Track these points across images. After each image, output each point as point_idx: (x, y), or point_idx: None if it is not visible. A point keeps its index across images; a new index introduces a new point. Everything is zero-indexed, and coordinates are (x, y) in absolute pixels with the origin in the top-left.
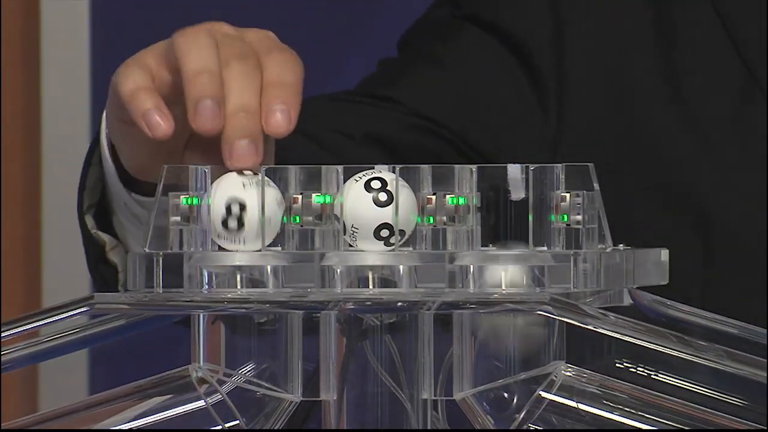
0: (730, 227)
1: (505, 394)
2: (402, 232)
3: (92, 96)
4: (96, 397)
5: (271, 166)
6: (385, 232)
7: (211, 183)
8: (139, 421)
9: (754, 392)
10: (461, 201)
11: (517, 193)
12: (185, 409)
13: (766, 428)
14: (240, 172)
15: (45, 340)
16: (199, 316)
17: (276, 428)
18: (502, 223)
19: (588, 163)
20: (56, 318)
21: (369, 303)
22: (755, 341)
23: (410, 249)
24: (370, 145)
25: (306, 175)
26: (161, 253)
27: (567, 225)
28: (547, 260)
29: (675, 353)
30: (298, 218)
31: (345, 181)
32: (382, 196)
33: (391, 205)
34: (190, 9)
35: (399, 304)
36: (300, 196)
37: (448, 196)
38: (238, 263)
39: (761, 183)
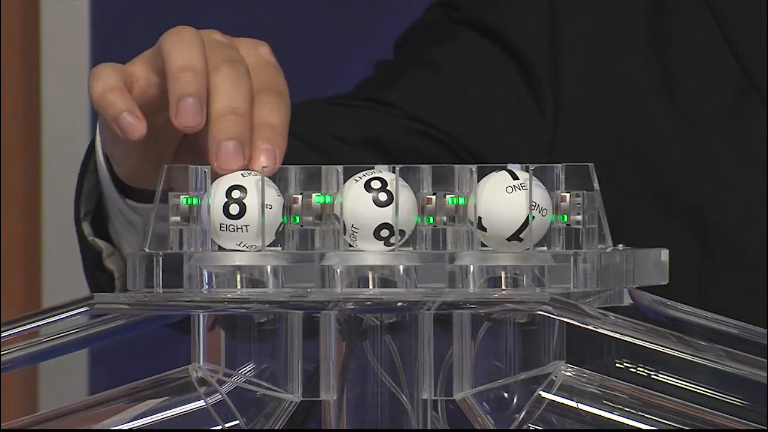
0: (727, 227)
1: (505, 394)
2: (402, 232)
3: None
4: (96, 397)
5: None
6: (385, 232)
7: (211, 183)
8: (139, 421)
9: (754, 392)
10: (461, 201)
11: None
12: (185, 409)
13: (766, 428)
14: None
15: (45, 340)
16: (199, 316)
17: (276, 428)
18: None
19: (588, 163)
20: (56, 318)
21: (369, 303)
22: (755, 341)
23: (410, 249)
24: (368, 149)
25: (306, 175)
26: (161, 253)
27: (567, 225)
28: (547, 260)
29: (675, 353)
30: (298, 218)
31: (345, 181)
32: (382, 196)
33: (391, 205)
34: (190, 9)
35: (399, 304)
36: (300, 196)
37: (448, 196)
38: (238, 263)
39: (759, 183)
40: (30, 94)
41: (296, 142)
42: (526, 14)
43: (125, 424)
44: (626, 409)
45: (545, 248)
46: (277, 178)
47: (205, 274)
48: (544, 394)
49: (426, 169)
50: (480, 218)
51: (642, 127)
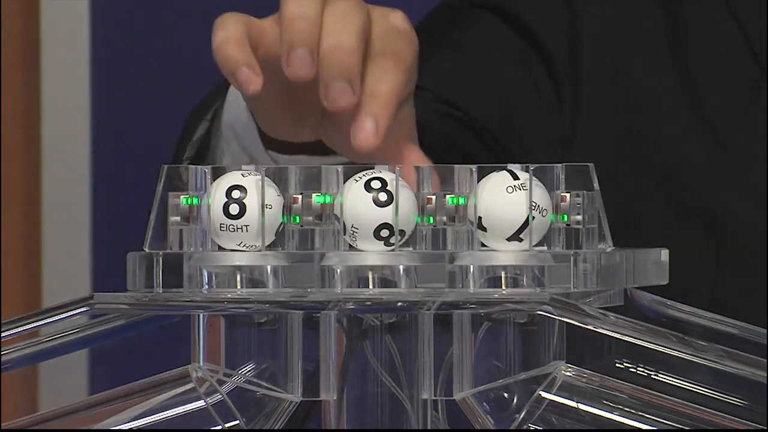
0: (743, 226)
1: (505, 394)
2: (402, 232)
3: (92, 96)
4: (96, 397)
5: (271, 166)
6: (385, 232)
7: (211, 183)
8: (139, 421)
9: (754, 392)
10: (461, 201)
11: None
12: (185, 409)
13: (766, 428)
14: (239, 169)
15: (45, 340)
16: (198, 316)
17: (276, 428)
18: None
19: (588, 163)
20: (56, 318)
21: (369, 303)
22: (755, 341)
23: (410, 249)
24: None
25: (306, 175)
26: (161, 253)
27: (567, 225)
28: (547, 260)
29: (675, 353)
30: (298, 218)
31: (345, 181)
32: (382, 196)
33: (391, 205)
34: (190, 9)
35: (399, 304)
36: (300, 196)
37: (448, 196)
38: (238, 263)
39: None
40: (30, 94)
41: None
42: (547, 4)
43: (125, 424)
44: (626, 409)
45: (545, 248)
46: (277, 178)
47: (205, 274)
48: (544, 394)
49: (426, 169)
50: (480, 218)
51: (658, 122)
